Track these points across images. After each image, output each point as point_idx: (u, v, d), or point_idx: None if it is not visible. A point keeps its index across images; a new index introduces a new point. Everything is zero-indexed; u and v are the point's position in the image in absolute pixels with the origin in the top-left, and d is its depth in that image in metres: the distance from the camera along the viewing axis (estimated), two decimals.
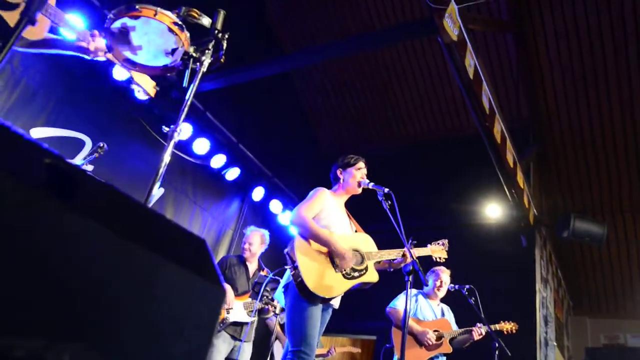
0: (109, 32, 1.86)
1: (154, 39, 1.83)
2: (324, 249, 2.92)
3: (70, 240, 0.61)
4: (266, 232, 4.77)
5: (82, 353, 0.62)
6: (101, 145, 3.69)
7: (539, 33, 6.92)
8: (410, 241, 3.18)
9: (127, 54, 1.91)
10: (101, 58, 2.19)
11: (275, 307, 4.43)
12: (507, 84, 7.49)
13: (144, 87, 2.34)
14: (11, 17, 1.97)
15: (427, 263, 3.84)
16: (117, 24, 1.81)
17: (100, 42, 2.13)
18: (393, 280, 3.71)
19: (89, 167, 4.51)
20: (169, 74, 2.10)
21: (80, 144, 4.68)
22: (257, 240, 4.67)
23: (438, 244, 3.60)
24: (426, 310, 4.42)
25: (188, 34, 1.88)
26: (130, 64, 1.96)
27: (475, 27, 4.98)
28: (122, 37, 1.82)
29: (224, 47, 1.95)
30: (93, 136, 4.70)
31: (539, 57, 7.12)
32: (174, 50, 1.87)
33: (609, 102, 7.12)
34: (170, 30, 1.81)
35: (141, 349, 0.70)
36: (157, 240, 0.81)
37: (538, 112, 7.56)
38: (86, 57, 2.21)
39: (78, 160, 4.48)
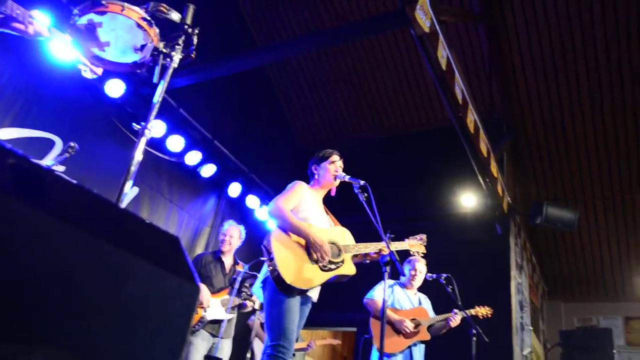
0: (75, 29, 1.82)
1: (122, 35, 1.79)
2: (302, 241, 2.92)
3: (37, 240, 0.60)
4: (243, 227, 4.76)
5: (54, 355, 0.61)
6: (72, 145, 3.60)
7: (510, 24, 7.02)
8: (387, 235, 3.20)
9: (95, 50, 1.87)
10: (46, 35, 2.07)
11: (254, 302, 4.42)
12: (479, 75, 7.58)
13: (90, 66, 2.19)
14: None
15: (405, 256, 3.89)
16: (83, 20, 1.77)
17: (40, 24, 2.03)
18: (371, 271, 3.74)
19: (60, 168, 4.41)
20: (138, 71, 2.07)
21: (50, 144, 4.58)
22: (236, 233, 4.66)
23: (416, 238, 3.59)
24: (403, 299, 4.47)
25: (157, 30, 1.85)
26: (98, 61, 1.93)
27: (447, 18, 5.03)
28: (89, 33, 1.78)
29: (195, 42, 1.93)
30: (63, 136, 4.60)
31: (511, 48, 7.23)
32: (143, 47, 1.84)
33: (579, 92, 7.28)
34: (139, 25, 1.78)
35: (114, 349, 0.69)
36: (128, 238, 0.80)
37: (510, 102, 7.68)
38: (26, 37, 2.10)
39: (48, 160, 4.38)
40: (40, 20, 2.04)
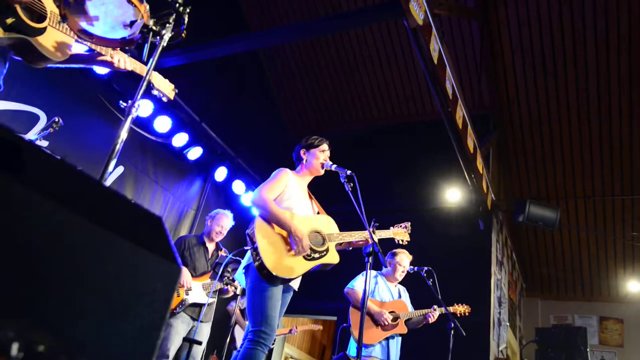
0: (65, 2, 1.78)
1: (112, 9, 1.76)
2: (285, 231, 2.92)
3: (15, 212, 0.59)
4: (232, 215, 4.74)
5: (28, 330, 0.60)
6: (56, 120, 3.54)
7: (502, 22, 7.05)
8: (372, 223, 3.21)
9: (83, 24, 1.83)
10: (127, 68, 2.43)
11: (235, 288, 4.42)
12: (470, 71, 7.61)
13: (164, 92, 2.44)
14: (42, 42, 2.10)
15: (389, 245, 3.91)
16: None
17: (124, 60, 2.37)
18: (353, 261, 3.76)
19: (44, 143, 4.35)
20: (127, 48, 2.04)
21: (35, 119, 4.50)
22: (227, 223, 4.64)
23: (401, 226, 3.63)
24: (384, 291, 4.50)
25: (147, 6, 1.82)
26: (87, 35, 1.89)
27: (441, 12, 5.02)
28: (78, 6, 1.74)
29: (186, 22, 1.90)
30: (48, 111, 4.52)
31: (502, 46, 7.26)
32: (132, 23, 1.81)
33: (567, 94, 7.36)
34: (129, 1, 1.75)
35: (91, 325, 0.69)
36: (110, 216, 0.79)
37: (499, 99, 7.73)
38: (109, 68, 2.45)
39: (32, 135, 4.31)
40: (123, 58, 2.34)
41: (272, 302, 2.78)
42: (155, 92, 2.44)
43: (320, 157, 3.22)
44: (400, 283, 4.69)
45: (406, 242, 3.63)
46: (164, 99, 2.49)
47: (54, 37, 2.12)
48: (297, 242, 2.87)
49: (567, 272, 9.37)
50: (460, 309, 4.68)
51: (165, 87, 2.50)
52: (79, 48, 2.32)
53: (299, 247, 2.87)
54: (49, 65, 2.23)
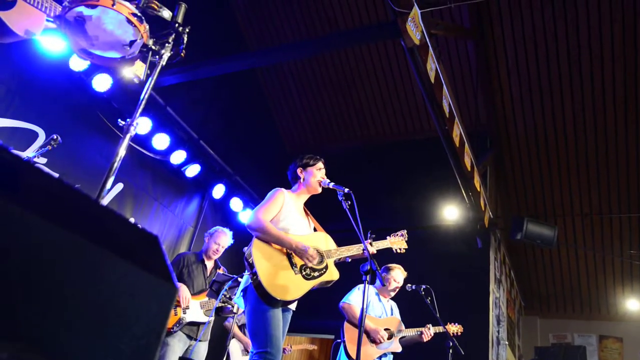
0: (64, 21, 1.80)
1: (112, 29, 1.78)
2: (283, 251, 2.91)
3: (10, 232, 0.59)
4: (231, 233, 4.72)
5: (22, 352, 0.60)
6: (55, 137, 3.54)
7: (498, 42, 7.13)
8: (369, 235, 3.21)
9: (83, 44, 1.85)
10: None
11: (233, 306, 4.38)
12: (467, 89, 7.67)
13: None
14: (8, 17, 1.93)
15: (387, 255, 3.89)
16: (72, 13, 1.75)
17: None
18: (350, 278, 3.74)
19: (42, 160, 4.35)
20: (127, 66, 2.05)
21: (33, 136, 4.51)
22: (225, 241, 4.62)
23: (397, 235, 3.63)
24: (377, 307, 4.46)
25: (147, 26, 1.84)
26: (87, 55, 1.91)
27: (437, 32, 5.08)
28: (78, 26, 1.76)
29: (185, 41, 1.92)
30: (47, 128, 4.53)
31: (498, 65, 7.34)
32: (132, 42, 1.83)
33: (563, 111, 7.41)
34: (129, 21, 1.77)
35: (86, 346, 0.68)
36: (106, 235, 0.79)
37: (495, 117, 7.78)
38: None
39: (30, 152, 4.31)
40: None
41: (274, 322, 2.75)
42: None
43: (317, 175, 3.22)
44: (394, 300, 4.66)
45: (404, 251, 3.61)
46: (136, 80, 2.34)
47: (24, 11, 2.00)
48: (302, 254, 2.87)
49: (566, 290, 9.33)
50: (453, 328, 4.63)
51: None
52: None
53: (306, 258, 2.86)
54: (9, 42, 2.11)
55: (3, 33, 1.98)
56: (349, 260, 3.25)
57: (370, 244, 3.19)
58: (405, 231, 3.68)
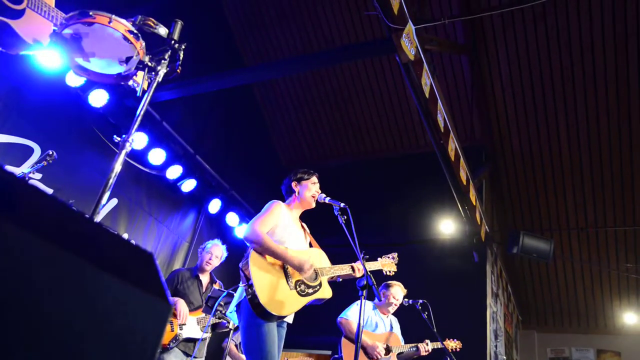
0: (61, 37, 1.81)
1: (108, 46, 1.79)
2: (279, 265, 2.90)
3: (4, 252, 0.59)
4: (225, 247, 4.71)
5: None
6: (50, 153, 3.53)
7: (492, 58, 7.21)
8: (362, 255, 3.21)
9: (80, 60, 1.86)
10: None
11: (229, 322, 4.34)
12: (462, 104, 7.73)
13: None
14: (18, 25, 1.95)
15: (381, 277, 3.88)
16: (69, 30, 1.76)
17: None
18: (347, 294, 3.72)
19: (37, 176, 4.34)
20: (123, 83, 2.06)
21: (29, 151, 4.50)
22: (220, 253, 4.60)
23: (388, 257, 3.64)
24: (376, 322, 4.44)
25: (144, 43, 1.85)
26: (83, 71, 1.91)
27: (431, 47, 5.13)
28: (74, 43, 1.78)
29: (181, 58, 1.93)
30: (42, 143, 4.53)
31: (492, 80, 7.41)
32: (128, 59, 1.84)
33: (557, 127, 7.47)
34: (125, 38, 1.78)
35: None
36: (100, 253, 0.79)
37: (490, 132, 7.83)
38: None
39: (25, 168, 4.30)
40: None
41: (269, 338, 2.72)
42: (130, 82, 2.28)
43: (312, 189, 3.23)
44: (393, 314, 4.64)
45: (393, 273, 3.61)
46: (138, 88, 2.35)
47: (32, 21, 2.03)
48: (298, 267, 2.87)
49: (563, 303, 9.31)
50: (452, 344, 4.61)
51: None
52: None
53: (304, 268, 2.86)
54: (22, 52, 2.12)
55: (13, 43, 2.00)
56: (340, 280, 3.24)
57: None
58: (397, 254, 3.68)
